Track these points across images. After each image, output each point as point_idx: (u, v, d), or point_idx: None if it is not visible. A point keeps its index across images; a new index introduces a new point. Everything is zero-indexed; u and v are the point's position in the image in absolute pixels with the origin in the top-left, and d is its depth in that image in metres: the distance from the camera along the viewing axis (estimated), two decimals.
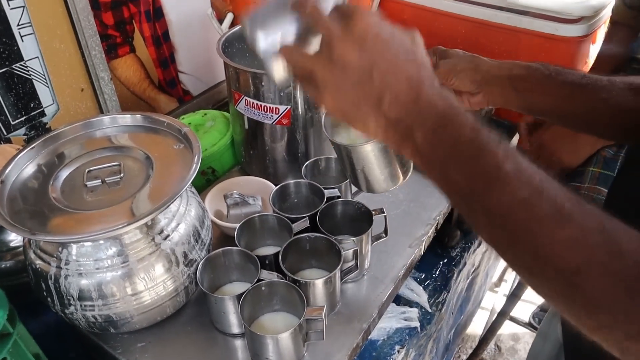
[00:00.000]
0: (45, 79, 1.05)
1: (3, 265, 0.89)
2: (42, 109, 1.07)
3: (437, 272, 1.04)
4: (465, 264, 1.10)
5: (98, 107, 1.17)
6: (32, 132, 1.07)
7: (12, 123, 1.03)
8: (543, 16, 1.10)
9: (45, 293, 0.70)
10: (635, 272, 0.36)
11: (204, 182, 1.11)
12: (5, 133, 1.02)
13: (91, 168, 0.73)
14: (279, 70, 0.52)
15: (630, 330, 0.36)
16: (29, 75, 1.02)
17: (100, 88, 1.14)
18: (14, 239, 0.89)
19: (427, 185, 1.01)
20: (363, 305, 0.83)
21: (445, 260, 1.07)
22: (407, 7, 1.29)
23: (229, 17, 1.15)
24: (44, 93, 1.06)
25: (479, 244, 1.15)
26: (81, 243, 0.67)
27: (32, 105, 1.05)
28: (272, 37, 0.51)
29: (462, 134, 0.45)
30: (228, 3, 1.15)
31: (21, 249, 0.86)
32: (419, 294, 0.98)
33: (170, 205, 0.67)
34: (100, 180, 0.71)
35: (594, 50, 1.20)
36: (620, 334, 0.37)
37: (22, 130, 1.05)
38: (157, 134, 0.79)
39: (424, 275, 1.03)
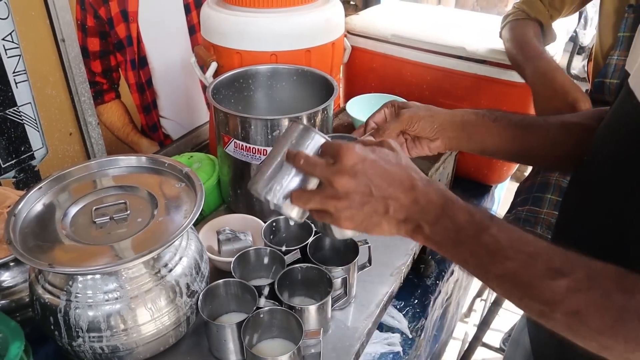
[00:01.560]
0: (37, 124, 1.09)
1: None
2: (32, 152, 1.10)
3: (415, 300, 1.11)
4: (439, 291, 1.17)
5: (85, 150, 1.21)
6: (21, 174, 1.10)
7: (3, 166, 1.06)
8: (500, 65, 1.22)
9: (52, 327, 0.73)
10: (622, 304, 0.46)
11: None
12: None
13: (99, 206, 0.77)
14: (294, 212, 0.62)
15: (628, 348, 0.46)
16: (21, 120, 1.06)
17: (87, 132, 1.19)
18: (6, 279, 0.91)
19: None
20: (352, 330, 0.88)
21: (421, 289, 1.14)
22: (377, 56, 1.40)
23: (213, 65, 1.22)
24: (34, 137, 1.10)
25: (452, 273, 1.23)
26: (91, 276, 0.71)
27: (22, 148, 1.08)
28: (280, 191, 0.61)
29: (459, 219, 0.55)
30: (212, 53, 1.23)
31: (14, 288, 0.89)
32: (400, 321, 1.05)
33: (180, 236, 0.72)
34: (108, 217, 0.76)
35: None
36: (621, 350, 0.47)
37: (12, 173, 1.08)
38: (159, 174, 0.84)
39: (403, 303, 1.10)
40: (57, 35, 1.06)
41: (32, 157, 1.11)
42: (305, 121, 1.02)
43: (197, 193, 0.78)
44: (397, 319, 1.05)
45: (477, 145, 0.79)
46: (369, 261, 0.95)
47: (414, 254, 1.07)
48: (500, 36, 1.24)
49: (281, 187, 0.61)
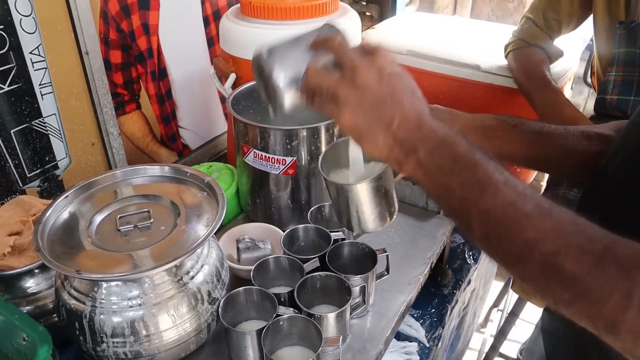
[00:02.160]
0: (61, 134, 1.12)
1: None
2: (56, 162, 1.13)
3: (432, 309, 1.11)
4: (457, 301, 1.17)
5: (107, 160, 1.23)
6: (45, 184, 1.12)
7: (28, 175, 1.08)
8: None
9: (77, 332, 0.74)
10: (602, 250, 0.46)
11: None
12: (21, 185, 1.08)
13: (123, 214, 0.79)
14: (290, 97, 0.60)
15: (601, 296, 0.45)
16: (46, 130, 1.09)
17: (109, 142, 1.21)
18: (32, 285, 0.93)
19: (422, 228, 1.10)
20: (370, 338, 0.89)
21: (439, 298, 1.14)
22: None
23: (232, 77, 1.25)
24: (58, 147, 1.12)
25: (468, 283, 1.23)
26: (115, 282, 0.73)
27: (47, 158, 1.11)
28: (289, 68, 0.59)
29: (459, 151, 0.54)
30: (231, 64, 1.25)
31: (39, 295, 0.91)
32: (417, 330, 1.05)
33: (202, 244, 0.74)
34: (132, 225, 0.77)
35: None
36: (592, 300, 0.45)
37: (37, 182, 1.11)
38: (181, 183, 0.86)
39: (420, 312, 1.10)
40: (82, 49, 1.09)
41: (56, 167, 1.13)
42: (323, 132, 1.03)
43: (219, 202, 0.80)
44: (414, 327, 1.06)
45: (495, 150, 0.79)
46: (387, 270, 0.96)
47: (432, 263, 1.07)
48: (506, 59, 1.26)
49: (290, 63, 0.58)
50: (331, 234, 0.95)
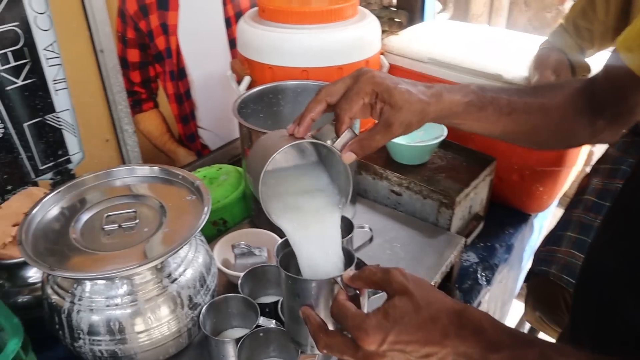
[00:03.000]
0: (74, 130, 1.14)
1: (20, 300, 0.94)
2: (68, 156, 1.15)
3: None
4: None
5: (120, 157, 1.25)
6: (58, 177, 1.15)
7: (40, 168, 1.11)
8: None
9: (57, 326, 0.75)
10: None
11: (215, 232, 1.16)
12: (33, 176, 1.10)
13: (110, 213, 0.79)
14: None
15: None
16: (60, 125, 1.11)
17: (123, 139, 1.23)
18: (33, 275, 0.95)
19: (429, 245, 1.06)
20: None
21: None
22: (414, 76, 1.37)
23: (247, 79, 1.24)
24: (71, 142, 1.15)
25: (479, 305, 1.18)
26: (95, 281, 0.72)
27: (59, 152, 1.13)
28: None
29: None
30: (246, 67, 1.25)
31: (39, 284, 0.92)
32: None
33: (179, 250, 0.73)
34: (117, 225, 0.77)
35: None
36: None
37: (49, 175, 1.13)
38: (172, 185, 0.86)
39: None
40: (97, 47, 1.10)
41: (69, 161, 1.16)
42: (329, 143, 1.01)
43: (204, 207, 0.79)
44: None
45: (453, 126, 0.75)
46: None
47: (435, 283, 1.02)
48: None
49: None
50: None
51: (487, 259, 1.23)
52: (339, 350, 0.55)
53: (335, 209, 0.66)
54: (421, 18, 1.70)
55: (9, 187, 1.06)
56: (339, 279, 0.59)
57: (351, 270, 0.60)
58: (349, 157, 0.64)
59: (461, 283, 1.17)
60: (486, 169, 1.19)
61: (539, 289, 1.02)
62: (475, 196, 1.19)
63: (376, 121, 0.67)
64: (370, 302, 0.70)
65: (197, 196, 0.83)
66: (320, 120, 0.66)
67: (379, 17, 1.82)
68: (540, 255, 1.06)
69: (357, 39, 1.20)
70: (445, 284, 1.11)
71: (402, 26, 1.75)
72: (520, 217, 1.36)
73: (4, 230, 0.94)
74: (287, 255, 0.66)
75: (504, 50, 1.35)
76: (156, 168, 0.86)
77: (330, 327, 0.60)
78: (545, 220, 1.55)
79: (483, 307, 1.22)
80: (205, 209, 0.78)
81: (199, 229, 0.74)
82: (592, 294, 0.68)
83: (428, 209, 1.14)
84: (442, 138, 1.19)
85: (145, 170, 0.86)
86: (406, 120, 0.66)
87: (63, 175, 1.16)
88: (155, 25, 1.24)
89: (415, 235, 1.11)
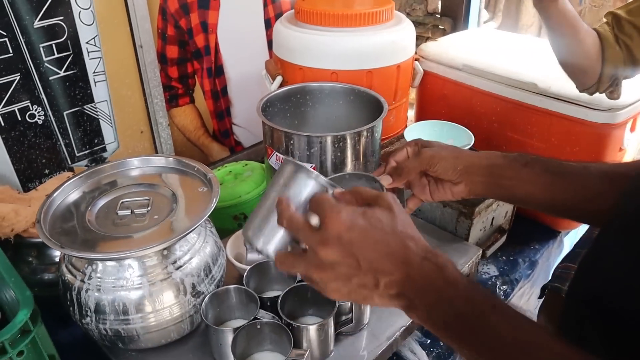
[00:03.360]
0: (111, 120, 1.20)
1: (46, 277, 1.00)
2: (104, 145, 1.22)
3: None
4: None
5: (154, 148, 1.31)
6: (93, 164, 1.21)
7: (77, 155, 1.18)
8: (573, 102, 1.13)
9: (69, 303, 0.80)
10: None
11: (236, 226, 1.19)
12: (69, 162, 1.17)
13: (125, 200, 0.83)
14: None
15: None
16: (97, 115, 1.18)
17: (158, 132, 1.28)
18: (57, 254, 1.01)
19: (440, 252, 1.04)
20: (355, 358, 0.86)
21: None
22: (448, 83, 1.36)
23: (278, 79, 1.27)
24: (107, 132, 1.21)
25: None
26: (104, 262, 0.77)
27: (96, 141, 1.20)
28: (269, 245, 0.56)
29: (458, 309, 0.50)
30: (279, 67, 1.28)
31: None
32: (421, 358, 1.00)
33: (182, 238, 0.76)
34: (129, 211, 0.82)
35: (633, 138, 1.21)
36: None
37: (85, 162, 1.20)
38: (187, 176, 0.89)
39: (429, 341, 1.04)
40: (136, 42, 1.16)
41: (104, 150, 1.22)
42: (348, 141, 1.02)
43: (213, 199, 0.81)
44: (418, 355, 1.00)
45: (505, 192, 0.73)
46: None
47: None
48: None
49: (269, 240, 0.56)
50: None
51: (508, 273, 1.20)
52: (296, 227, 0.53)
53: None
54: (465, 26, 1.68)
55: (47, 172, 1.14)
56: (330, 189, 0.56)
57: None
58: (386, 179, 0.74)
59: None
60: None
61: (550, 305, 0.98)
62: (498, 208, 1.16)
63: None
64: None
65: (209, 188, 0.86)
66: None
67: (423, 24, 1.82)
68: (556, 272, 1.02)
69: (388, 43, 1.21)
70: None
71: (445, 33, 1.73)
72: (549, 234, 1.32)
73: (35, 211, 1.01)
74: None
75: (542, 60, 1.30)
76: (171, 159, 0.90)
77: None
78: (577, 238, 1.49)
79: None
80: (214, 200, 0.81)
81: (203, 220, 0.77)
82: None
83: (447, 218, 1.12)
84: (469, 146, 1.17)
85: (161, 160, 0.90)
86: (437, 151, 0.74)
87: (98, 163, 1.22)
88: (195, 24, 1.29)
89: (432, 243, 1.08)
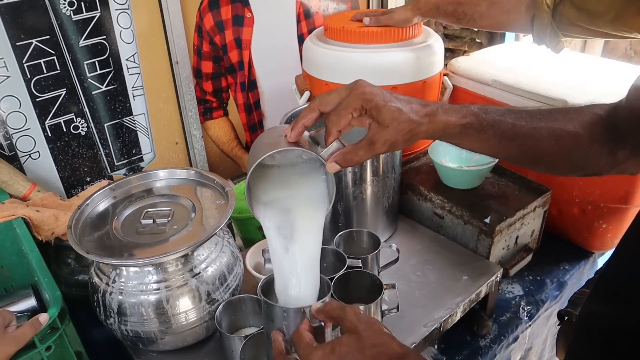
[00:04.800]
0: (148, 132, 1.28)
1: (82, 278, 1.08)
2: (141, 155, 1.29)
3: (460, 358, 1.05)
4: (494, 356, 1.09)
5: (188, 159, 1.37)
6: (130, 173, 1.29)
7: (116, 164, 1.26)
8: None
9: (95, 304, 0.86)
10: None
11: (260, 236, 1.23)
12: (109, 171, 1.25)
13: (149, 210, 0.89)
14: None
15: None
16: (135, 127, 1.25)
17: (192, 143, 1.35)
18: None
19: (463, 272, 1.05)
20: None
21: (471, 349, 1.07)
22: (478, 99, 1.35)
23: (306, 94, 1.31)
24: (144, 143, 1.28)
25: (515, 340, 1.13)
26: (127, 268, 0.82)
27: (133, 151, 1.27)
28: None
29: None
30: (307, 82, 1.31)
31: None
32: None
33: (198, 247, 0.80)
34: (152, 220, 0.87)
35: None
36: None
37: (123, 171, 1.28)
38: (207, 188, 0.94)
39: (445, 358, 1.04)
40: (172, 58, 1.23)
41: (141, 160, 1.30)
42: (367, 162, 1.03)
43: (228, 210, 0.86)
44: None
45: (453, 143, 0.74)
46: (397, 307, 0.93)
47: (463, 309, 1.01)
48: None
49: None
50: (348, 259, 0.95)
51: (533, 293, 1.18)
52: None
53: (318, 215, 0.69)
54: (502, 39, 1.66)
55: (88, 179, 1.22)
56: (307, 309, 0.63)
57: (321, 302, 0.64)
58: (333, 168, 0.68)
59: (499, 314, 1.13)
60: (537, 199, 1.14)
61: (565, 331, 0.96)
62: (523, 227, 1.15)
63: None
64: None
65: (226, 200, 0.90)
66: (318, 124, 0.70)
67: (459, 37, 1.81)
68: (572, 297, 1.00)
69: (413, 59, 1.22)
70: (479, 313, 1.08)
71: (482, 47, 1.71)
72: (580, 254, 1.28)
73: None
74: (268, 283, 0.72)
75: (576, 76, 1.28)
76: (192, 171, 0.95)
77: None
78: None
79: (521, 343, 1.17)
80: (229, 211, 0.85)
81: (217, 231, 0.81)
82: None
83: (468, 235, 1.12)
84: (493, 164, 1.16)
85: (184, 172, 0.96)
86: (391, 139, 0.67)
87: (135, 172, 1.30)
88: (229, 40, 1.35)
89: (451, 260, 1.10)
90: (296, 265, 0.70)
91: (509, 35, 1.64)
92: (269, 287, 0.72)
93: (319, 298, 0.70)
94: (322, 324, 0.65)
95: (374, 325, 0.60)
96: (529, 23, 1.09)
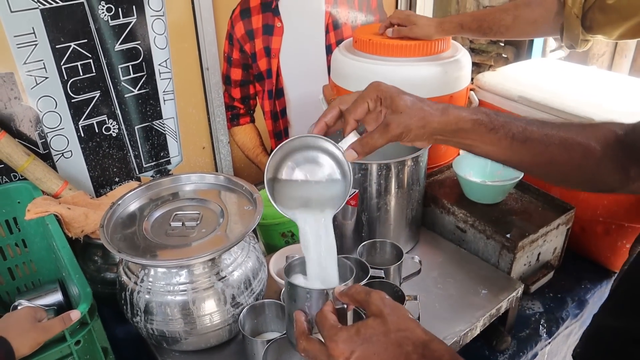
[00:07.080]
0: (176, 135, 1.30)
1: (109, 276, 1.10)
2: (169, 158, 1.32)
3: None
4: None
5: (214, 163, 1.40)
6: (158, 175, 1.32)
7: (144, 166, 1.29)
8: None
9: (123, 302, 0.88)
10: None
11: (283, 243, 1.25)
12: (137, 172, 1.28)
13: (178, 212, 0.91)
14: None
15: None
16: (164, 130, 1.28)
17: (218, 148, 1.37)
18: None
19: (484, 287, 1.05)
20: None
21: None
22: None
23: None
24: (172, 146, 1.31)
25: (534, 356, 1.13)
26: (155, 268, 0.84)
27: (162, 154, 1.30)
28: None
29: None
30: (334, 92, 1.33)
31: None
32: None
33: (225, 252, 0.82)
34: (181, 223, 0.89)
35: None
36: None
37: (150, 172, 1.30)
38: (236, 194, 0.96)
39: None
40: (203, 64, 1.26)
41: (169, 162, 1.32)
42: (392, 170, 1.05)
43: (256, 217, 0.87)
44: None
45: (465, 148, 0.75)
46: (418, 318, 0.94)
47: (483, 324, 1.01)
48: None
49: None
50: (371, 269, 0.96)
51: (553, 311, 1.17)
52: (313, 355, 0.61)
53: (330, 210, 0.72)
54: (528, 55, 1.66)
55: (117, 179, 1.25)
56: (330, 291, 0.64)
57: (344, 285, 0.64)
58: (350, 155, 0.71)
59: (518, 330, 1.13)
60: (561, 217, 1.14)
61: None
62: (545, 244, 1.15)
63: None
64: None
65: (254, 207, 0.92)
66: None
67: (486, 52, 1.81)
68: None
69: (441, 74, 1.23)
70: (499, 329, 1.08)
71: (508, 62, 1.72)
72: (602, 273, 1.27)
73: (101, 215, 1.12)
74: (291, 265, 0.74)
75: (602, 94, 1.28)
76: (222, 177, 0.97)
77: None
78: None
79: None
80: (257, 217, 0.87)
81: (245, 236, 0.83)
82: None
83: (490, 250, 1.12)
84: (517, 180, 1.17)
85: (215, 178, 0.98)
86: (405, 122, 0.69)
87: (162, 174, 1.33)
88: (259, 48, 1.38)
89: (473, 274, 1.10)
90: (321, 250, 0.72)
91: (536, 51, 1.64)
92: (290, 269, 0.73)
93: (342, 281, 0.70)
94: (345, 306, 0.65)
95: (399, 310, 0.60)
96: (557, 30, 1.13)
